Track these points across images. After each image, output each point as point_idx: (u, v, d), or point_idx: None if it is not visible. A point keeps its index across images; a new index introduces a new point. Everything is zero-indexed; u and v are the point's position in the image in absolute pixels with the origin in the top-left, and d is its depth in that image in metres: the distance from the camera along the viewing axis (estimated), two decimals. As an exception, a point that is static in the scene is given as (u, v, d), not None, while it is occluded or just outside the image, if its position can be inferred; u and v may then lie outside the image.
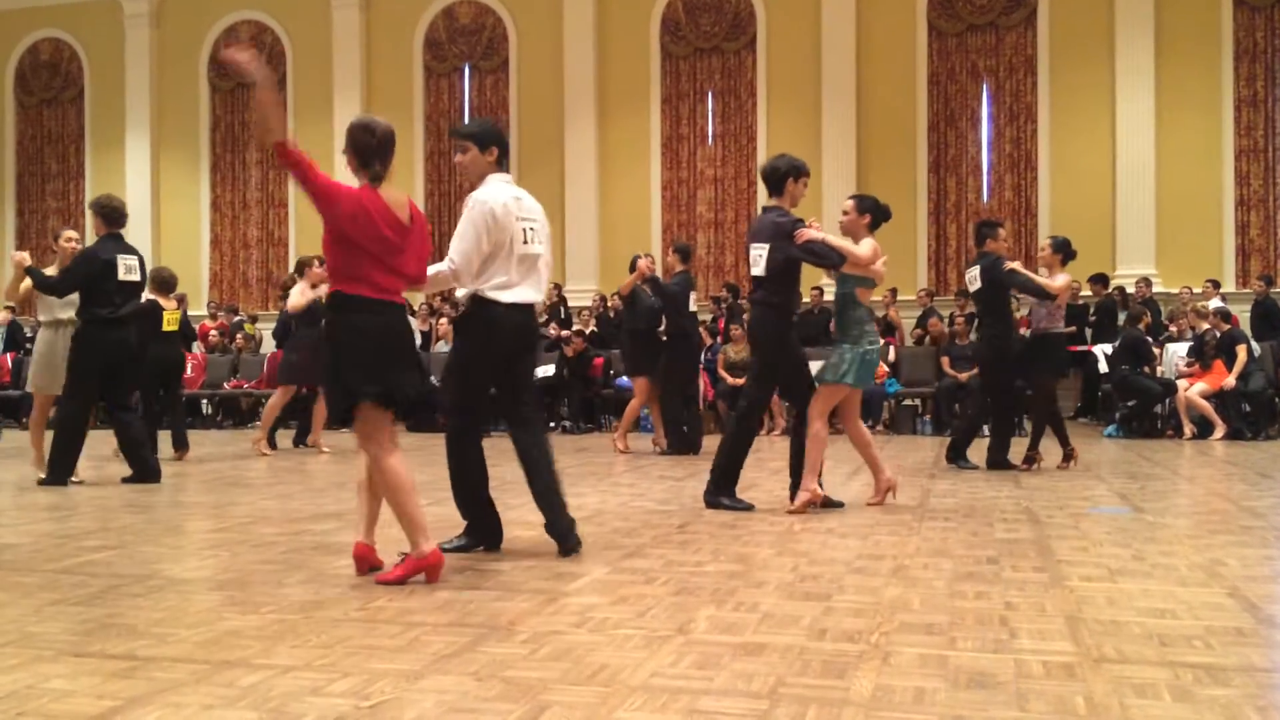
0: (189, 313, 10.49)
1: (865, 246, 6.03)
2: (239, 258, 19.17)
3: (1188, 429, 11.29)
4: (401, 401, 4.14)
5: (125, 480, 7.62)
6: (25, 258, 7.79)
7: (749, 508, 5.99)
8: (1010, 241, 13.88)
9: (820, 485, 6.00)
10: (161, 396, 9.89)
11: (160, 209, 19.26)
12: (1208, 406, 11.22)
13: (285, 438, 11.38)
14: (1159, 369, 12.08)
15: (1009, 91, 15.88)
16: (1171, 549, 4.70)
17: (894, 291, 14.82)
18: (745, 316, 14.13)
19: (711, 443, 11.04)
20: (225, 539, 5.21)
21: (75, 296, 7.81)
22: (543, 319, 14.57)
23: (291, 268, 18.25)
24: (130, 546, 4.97)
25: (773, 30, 16.68)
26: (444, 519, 5.18)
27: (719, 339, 13.44)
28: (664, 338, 10.07)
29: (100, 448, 9.10)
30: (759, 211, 6.30)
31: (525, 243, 4.63)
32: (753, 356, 6.44)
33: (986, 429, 8.71)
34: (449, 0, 17.99)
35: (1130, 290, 14.14)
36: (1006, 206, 15.67)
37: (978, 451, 8.38)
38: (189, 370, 13.44)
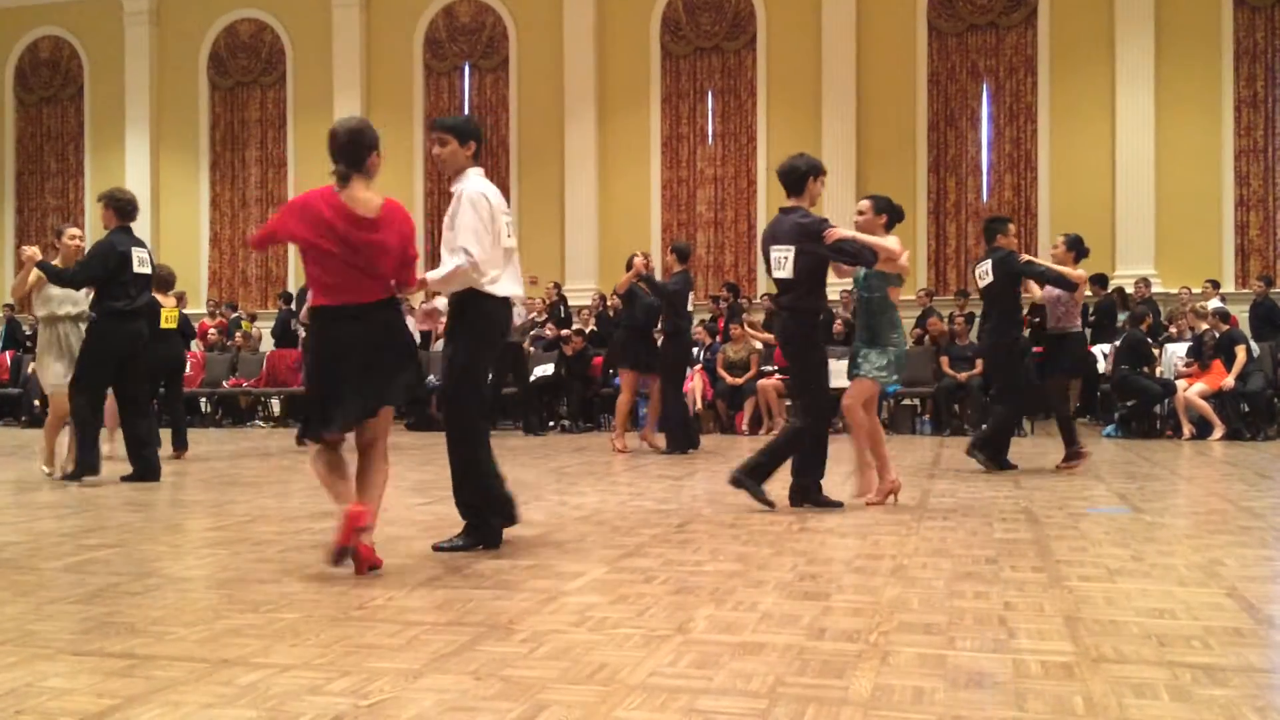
0: (187, 311, 10.45)
1: (892, 241, 6.09)
2: (238, 256, 19.16)
3: (1186, 429, 11.28)
4: (330, 422, 4.24)
5: (125, 479, 7.62)
6: (36, 253, 7.80)
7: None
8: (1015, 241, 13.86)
9: (820, 485, 6.01)
10: (162, 395, 9.89)
11: (159, 207, 19.22)
12: (1207, 407, 11.21)
13: (286, 437, 11.36)
14: (1158, 369, 12.09)
15: (1009, 91, 15.88)
16: (1170, 549, 4.70)
17: (893, 291, 14.80)
18: (752, 320, 14.24)
19: (710, 441, 11.08)
20: (224, 537, 5.21)
21: (73, 292, 7.83)
22: (542, 319, 14.57)
23: (290, 267, 18.30)
24: (129, 545, 4.97)
25: (773, 30, 16.67)
26: (444, 519, 5.17)
27: (718, 338, 13.42)
28: (660, 336, 10.07)
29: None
30: (775, 212, 6.20)
31: (508, 236, 4.73)
32: (790, 365, 6.33)
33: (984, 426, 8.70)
34: (449, -1, 18.02)
35: (1129, 290, 14.13)
36: (1006, 206, 15.63)
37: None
38: (188, 369, 13.44)
